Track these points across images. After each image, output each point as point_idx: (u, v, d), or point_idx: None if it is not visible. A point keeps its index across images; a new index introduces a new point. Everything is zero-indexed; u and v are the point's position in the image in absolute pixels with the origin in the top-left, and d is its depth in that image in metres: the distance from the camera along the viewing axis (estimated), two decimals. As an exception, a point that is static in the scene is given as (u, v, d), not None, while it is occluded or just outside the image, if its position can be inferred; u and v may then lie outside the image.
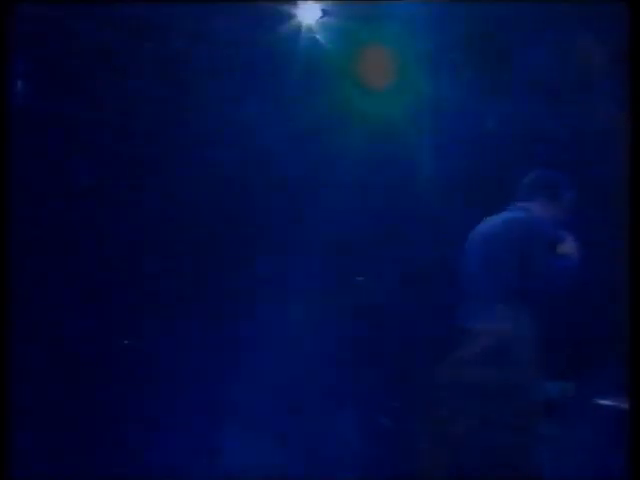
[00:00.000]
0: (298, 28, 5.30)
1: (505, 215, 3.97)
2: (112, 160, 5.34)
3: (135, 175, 5.33)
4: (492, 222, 3.98)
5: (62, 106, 5.11)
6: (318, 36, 5.32)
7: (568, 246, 3.78)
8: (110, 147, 5.31)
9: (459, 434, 3.91)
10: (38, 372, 5.05)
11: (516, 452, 3.73)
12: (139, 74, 5.23)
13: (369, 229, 5.69)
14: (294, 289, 5.59)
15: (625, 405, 4.23)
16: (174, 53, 5.28)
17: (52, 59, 5.04)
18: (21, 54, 4.81)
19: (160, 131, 5.34)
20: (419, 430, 5.09)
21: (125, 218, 5.41)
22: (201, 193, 5.46)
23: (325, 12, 5.32)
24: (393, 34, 5.25)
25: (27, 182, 4.85)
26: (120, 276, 5.42)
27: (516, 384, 3.75)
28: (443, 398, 4.17)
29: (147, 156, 5.36)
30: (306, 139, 5.42)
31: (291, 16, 5.29)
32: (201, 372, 5.51)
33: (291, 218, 5.60)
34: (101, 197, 5.37)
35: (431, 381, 5.18)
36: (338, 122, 5.43)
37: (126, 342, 5.78)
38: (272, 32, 5.22)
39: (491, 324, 3.80)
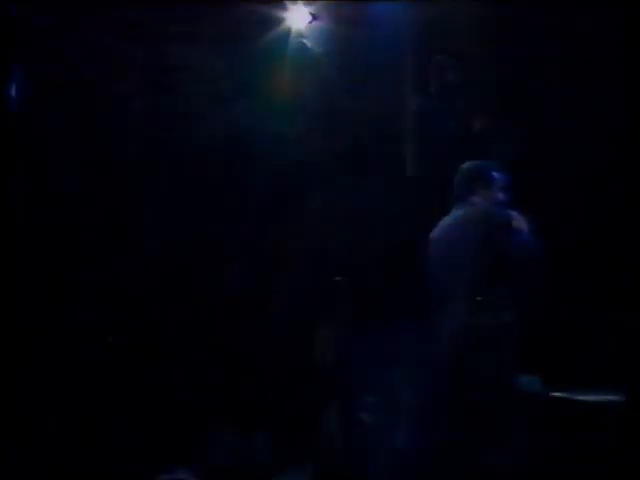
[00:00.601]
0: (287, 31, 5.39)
1: (458, 212, 4.08)
2: (109, 162, 5.34)
3: (131, 177, 5.34)
4: (449, 222, 4.09)
5: (59, 106, 5.10)
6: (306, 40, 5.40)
7: (519, 222, 3.93)
8: (106, 149, 5.31)
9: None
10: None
11: (494, 442, 3.85)
12: (132, 77, 5.24)
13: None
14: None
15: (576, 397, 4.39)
16: (164, 56, 5.31)
17: (48, 62, 5.03)
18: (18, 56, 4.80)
19: (155, 133, 5.36)
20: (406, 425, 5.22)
21: (122, 221, 5.41)
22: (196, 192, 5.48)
23: (314, 16, 5.40)
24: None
25: (22, 184, 4.82)
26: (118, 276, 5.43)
27: (499, 375, 3.86)
28: (428, 392, 4.26)
29: (143, 159, 5.37)
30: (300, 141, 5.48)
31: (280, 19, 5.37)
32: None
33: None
34: (98, 200, 5.36)
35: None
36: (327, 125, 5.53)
37: (110, 340, 5.78)
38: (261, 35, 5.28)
39: (474, 318, 3.89)
